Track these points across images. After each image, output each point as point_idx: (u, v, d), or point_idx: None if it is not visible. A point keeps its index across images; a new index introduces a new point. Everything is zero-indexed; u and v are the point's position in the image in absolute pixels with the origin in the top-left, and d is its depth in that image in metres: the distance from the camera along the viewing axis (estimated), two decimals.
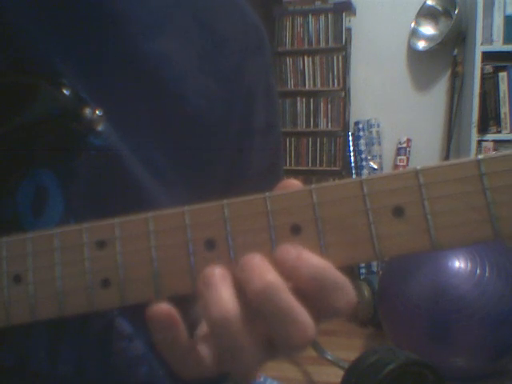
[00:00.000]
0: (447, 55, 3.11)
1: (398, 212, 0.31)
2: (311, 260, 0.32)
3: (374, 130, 3.23)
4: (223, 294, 0.32)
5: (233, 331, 0.31)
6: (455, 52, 3.07)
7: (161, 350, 0.34)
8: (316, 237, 0.32)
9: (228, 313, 0.31)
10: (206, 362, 0.34)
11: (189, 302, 0.44)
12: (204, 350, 0.34)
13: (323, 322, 0.33)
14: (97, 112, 0.42)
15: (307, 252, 0.32)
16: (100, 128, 0.42)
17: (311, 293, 0.32)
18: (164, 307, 0.32)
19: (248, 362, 0.32)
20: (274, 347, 0.33)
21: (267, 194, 0.33)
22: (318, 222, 0.32)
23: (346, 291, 0.32)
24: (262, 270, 0.31)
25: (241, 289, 0.32)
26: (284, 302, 0.31)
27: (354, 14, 3.23)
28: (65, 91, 0.41)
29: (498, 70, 2.83)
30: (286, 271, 0.32)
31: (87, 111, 0.41)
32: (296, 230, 0.32)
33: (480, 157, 0.30)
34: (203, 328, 0.35)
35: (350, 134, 3.22)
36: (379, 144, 3.24)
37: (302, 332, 0.31)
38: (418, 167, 0.31)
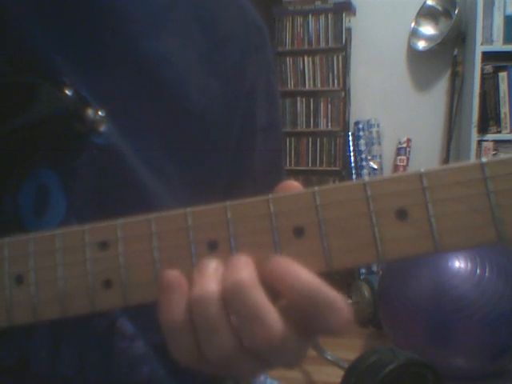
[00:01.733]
0: (447, 55, 3.11)
1: (402, 215, 0.31)
2: (301, 276, 0.32)
3: (374, 130, 3.23)
4: (209, 277, 0.32)
5: (209, 311, 0.32)
6: (455, 52, 3.07)
7: (162, 319, 0.34)
8: (319, 239, 0.32)
9: (207, 292, 0.32)
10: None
11: None
12: None
13: (317, 337, 0.33)
14: (99, 112, 0.42)
15: (298, 267, 0.32)
16: (102, 128, 0.42)
17: (302, 310, 0.32)
18: (174, 272, 0.33)
19: (223, 348, 0.32)
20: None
21: (270, 196, 0.33)
22: (321, 225, 0.32)
23: (340, 310, 0.31)
24: (238, 267, 0.32)
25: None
26: (252, 299, 0.31)
27: (354, 14, 3.23)
28: (67, 91, 0.41)
29: (497, 69, 2.83)
30: (277, 285, 0.32)
31: (89, 111, 0.41)
32: (299, 232, 0.32)
33: (484, 160, 0.30)
34: None
35: (349, 134, 3.22)
36: (379, 144, 3.24)
37: (266, 332, 0.31)
38: (422, 170, 0.31)
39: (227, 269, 0.32)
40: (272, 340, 0.31)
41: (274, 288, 0.32)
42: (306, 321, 0.32)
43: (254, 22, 0.59)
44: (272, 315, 0.31)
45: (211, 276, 0.32)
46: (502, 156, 0.30)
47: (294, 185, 0.34)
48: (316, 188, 0.32)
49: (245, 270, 0.32)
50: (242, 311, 0.31)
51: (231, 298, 0.32)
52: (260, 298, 0.31)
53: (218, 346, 0.32)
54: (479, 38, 2.76)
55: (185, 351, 0.33)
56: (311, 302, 0.31)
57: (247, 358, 0.33)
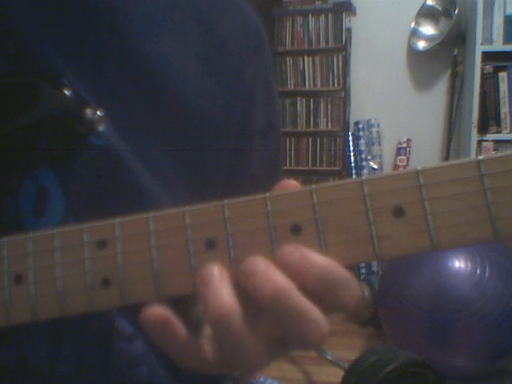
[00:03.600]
0: (447, 55, 3.11)
1: (398, 212, 0.31)
2: (316, 260, 0.32)
3: (373, 130, 3.23)
4: (222, 292, 0.32)
5: (233, 328, 0.32)
6: (455, 52, 3.07)
7: (160, 346, 0.34)
8: (316, 237, 0.32)
9: (228, 309, 0.31)
10: (209, 359, 0.34)
11: (190, 300, 0.45)
12: (209, 350, 0.34)
13: (329, 316, 0.33)
14: (98, 112, 0.42)
15: (310, 252, 0.32)
16: (101, 128, 0.42)
17: (318, 291, 0.32)
18: (157, 310, 0.33)
19: (251, 359, 0.32)
20: (284, 344, 0.33)
21: (267, 194, 0.33)
22: (318, 223, 0.32)
23: (353, 287, 0.32)
24: (270, 275, 0.32)
25: (239, 287, 0.32)
26: (296, 303, 0.31)
27: (354, 13, 3.23)
28: (66, 92, 0.41)
29: (497, 69, 2.83)
30: (291, 273, 0.32)
31: (88, 112, 0.41)
32: (296, 231, 0.33)
33: (480, 157, 0.30)
34: (208, 328, 0.35)
35: (349, 134, 3.22)
36: (379, 144, 3.24)
37: (316, 329, 0.31)
38: (419, 167, 0.31)
39: (255, 277, 0.32)
40: (324, 333, 0.31)
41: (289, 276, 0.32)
42: (321, 301, 0.32)
43: (252, 24, 0.59)
44: (316, 311, 0.31)
45: (223, 287, 0.32)
46: (499, 153, 0.30)
47: (292, 184, 0.35)
48: (313, 186, 0.32)
49: (277, 274, 0.32)
50: (290, 316, 0.31)
51: (275, 305, 0.31)
52: (302, 298, 0.31)
53: (245, 358, 0.32)
54: (479, 37, 2.76)
55: (187, 359, 0.34)
56: (328, 283, 0.32)
57: (270, 359, 0.33)
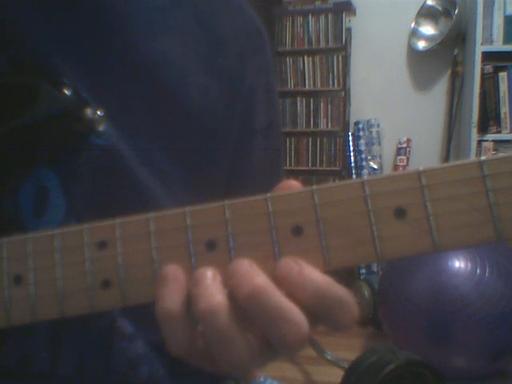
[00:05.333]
0: (447, 55, 3.11)
1: (400, 213, 0.31)
2: (313, 276, 0.32)
3: (374, 129, 3.23)
4: (211, 288, 0.32)
5: (220, 323, 0.32)
6: (455, 52, 3.07)
7: (160, 318, 0.33)
8: (317, 238, 0.32)
9: (215, 305, 0.32)
10: (201, 351, 0.34)
11: None
12: (201, 343, 0.34)
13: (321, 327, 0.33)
14: (98, 112, 0.42)
15: (310, 268, 0.32)
16: (101, 128, 0.42)
17: (314, 309, 0.32)
18: (173, 266, 0.33)
19: (238, 357, 0.32)
20: (271, 348, 0.33)
21: (268, 195, 0.33)
22: (320, 223, 0.32)
23: (349, 307, 0.32)
24: (251, 274, 0.32)
25: (231, 292, 0.32)
26: (274, 302, 0.31)
27: (354, 13, 3.23)
28: (66, 91, 0.41)
29: (497, 69, 2.83)
30: (288, 286, 0.32)
31: (89, 111, 0.41)
32: (297, 231, 0.32)
33: (483, 158, 0.30)
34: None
35: (350, 134, 3.22)
36: (379, 144, 3.24)
37: (295, 330, 0.31)
38: (421, 168, 0.31)
39: (236, 277, 0.32)
40: (303, 335, 0.31)
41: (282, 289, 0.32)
42: (315, 317, 0.32)
43: (252, 23, 0.59)
44: (297, 312, 0.31)
45: (213, 286, 0.32)
46: (501, 154, 0.30)
47: (293, 184, 0.34)
48: (314, 187, 0.32)
49: (257, 274, 0.32)
50: (268, 315, 0.31)
51: (253, 305, 0.31)
52: (281, 297, 0.31)
53: (232, 356, 0.32)
54: (479, 37, 2.76)
55: (180, 344, 0.33)
56: (323, 301, 0.32)
57: (262, 359, 0.33)
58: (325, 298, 0.32)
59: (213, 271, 0.33)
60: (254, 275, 0.32)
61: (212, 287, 0.32)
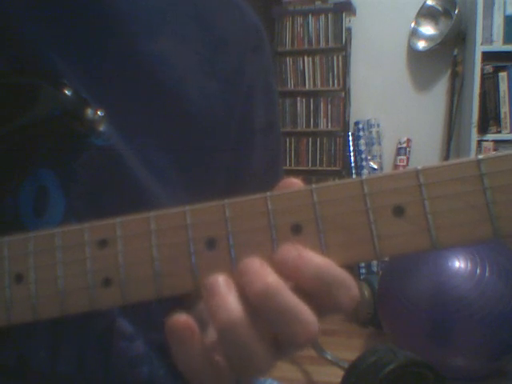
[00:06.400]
0: (447, 55, 3.11)
1: (399, 211, 0.31)
2: (313, 259, 0.32)
3: (373, 130, 3.23)
4: (228, 301, 0.32)
5: (241, 337, 0.31)
6: (455, 52, 3.07)
7: (178, 363, 0.33)
8: (316, 236, 0.32)
9: (235, 319, 0.31)
10: (222, 369, 0.34)
11: (192, 299, 0.44)
12: (218, 356, 0.34)
13: (326, 317, 0.33)
14: (98, 112, 0.42)
15: (308, 251, 0.32)
16: (101, 128, 0.42)
17: (314, 291, 0.32)
18: (182, 318, 0.32)
19: (259, 367, 0.32)
20: (279, 347, 0.33)
21: (268, 193, 0.33)
22: (319, 222, 0.32)
23: (349, 287, 0.32)
24: (261, 273, 0.32)
25: (243, 294, 0.32)
26: (285, 301, 0.31)
27: (354, 13, 3.23)
28: (66, 92, 0.41)
29: (497, 69, 2.83)
30: (288, 271, 0.32)
31: (89, 111, 0.41)
32: (296, 230, 0.33)
33: (480, 157, 0.30)
34: (211, 334, 0.35)
35: (350, 133, 3.22)
36: (379, 144, 3.25)
37: (305, 329, 0.31)
38: (419, 167, 0.31)
39: (248, 275, 0.32)
40: (313, 334, 0.31)
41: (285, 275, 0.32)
42: (317, 300, 0.32)
43: (251, 23, 0.59)
44: (306, 310, 0.31)
45: (230, 296, 0.32)
46: (498, 152, 0.30)
47: (294, 182, 0.35)
48: (313, 185, 0.32)
49: (269, 272, 0.32)
50: (279, 314, 0.31)
51: (264, 303, 0.31)
52: (292, 297, 0.31)
53: (253, 364, 0.32)
54: (479, 38, 2.77)
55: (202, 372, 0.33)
56: (324, 282, 0.31)
57: (274, 360, 0.33)
58: (325, 278, 0.31)
59: (225, 278, 0.32)
60: (265, 274, 0.32)
61: (228, 298, 0.32)
